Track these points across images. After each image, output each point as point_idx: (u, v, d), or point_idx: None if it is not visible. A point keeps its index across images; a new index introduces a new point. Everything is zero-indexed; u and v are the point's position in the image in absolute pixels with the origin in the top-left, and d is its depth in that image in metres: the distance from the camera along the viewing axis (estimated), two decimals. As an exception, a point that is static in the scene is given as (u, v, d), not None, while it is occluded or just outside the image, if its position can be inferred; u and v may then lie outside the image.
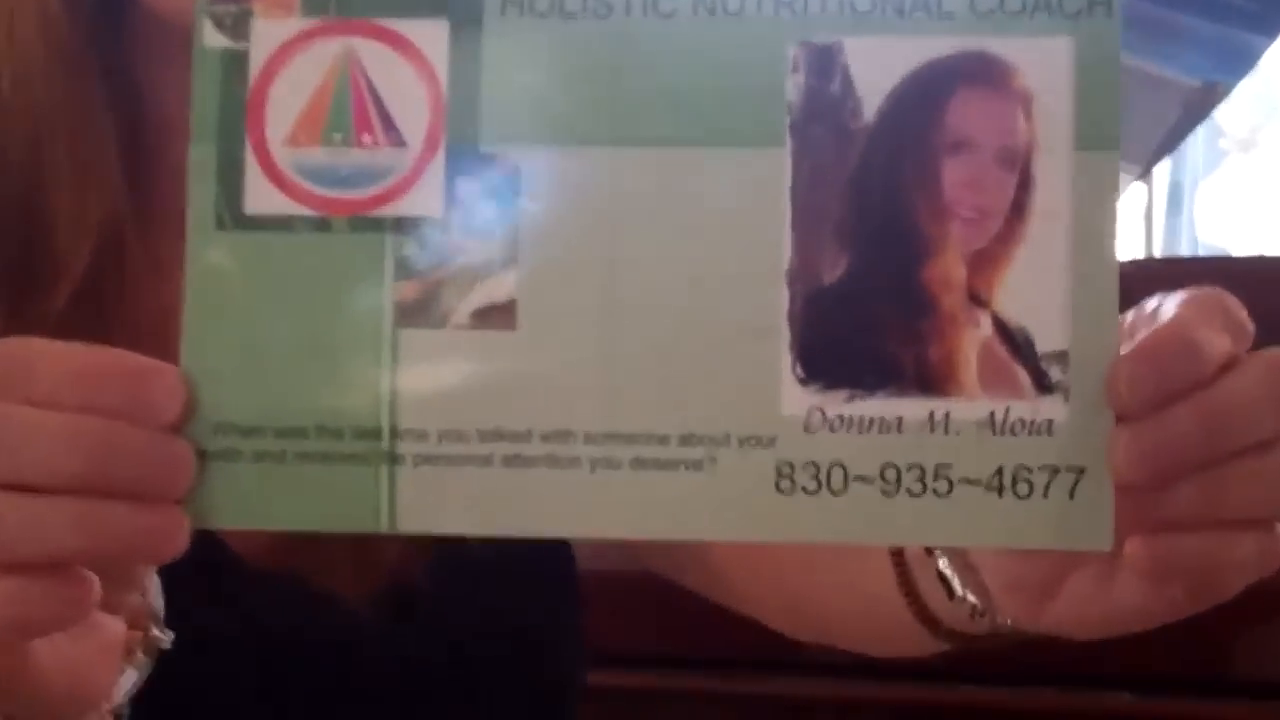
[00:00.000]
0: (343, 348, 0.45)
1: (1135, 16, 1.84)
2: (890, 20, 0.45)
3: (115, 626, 0.48)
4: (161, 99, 0.70)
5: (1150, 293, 1.48)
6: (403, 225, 0.45)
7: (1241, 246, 2.88)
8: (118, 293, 0.68)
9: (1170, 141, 2.04)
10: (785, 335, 0.45)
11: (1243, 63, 1.96)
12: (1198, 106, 2.00)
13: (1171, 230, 2.80)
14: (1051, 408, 0.44)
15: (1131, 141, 1.97)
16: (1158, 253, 2.86)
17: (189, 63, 0.48)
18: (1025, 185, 0.45)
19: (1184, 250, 2.82)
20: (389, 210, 0.45)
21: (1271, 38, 1.93)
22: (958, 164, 0.45)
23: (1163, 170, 2.69)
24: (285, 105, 0.46)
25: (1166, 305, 0.47)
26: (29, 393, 0.43)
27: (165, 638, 0.50)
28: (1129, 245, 2.87)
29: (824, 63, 0.45)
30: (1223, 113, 2.55)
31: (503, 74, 0.45)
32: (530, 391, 0.45)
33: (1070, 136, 0.45)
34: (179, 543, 0.44)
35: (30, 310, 0.66)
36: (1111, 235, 0.45)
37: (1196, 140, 2.66)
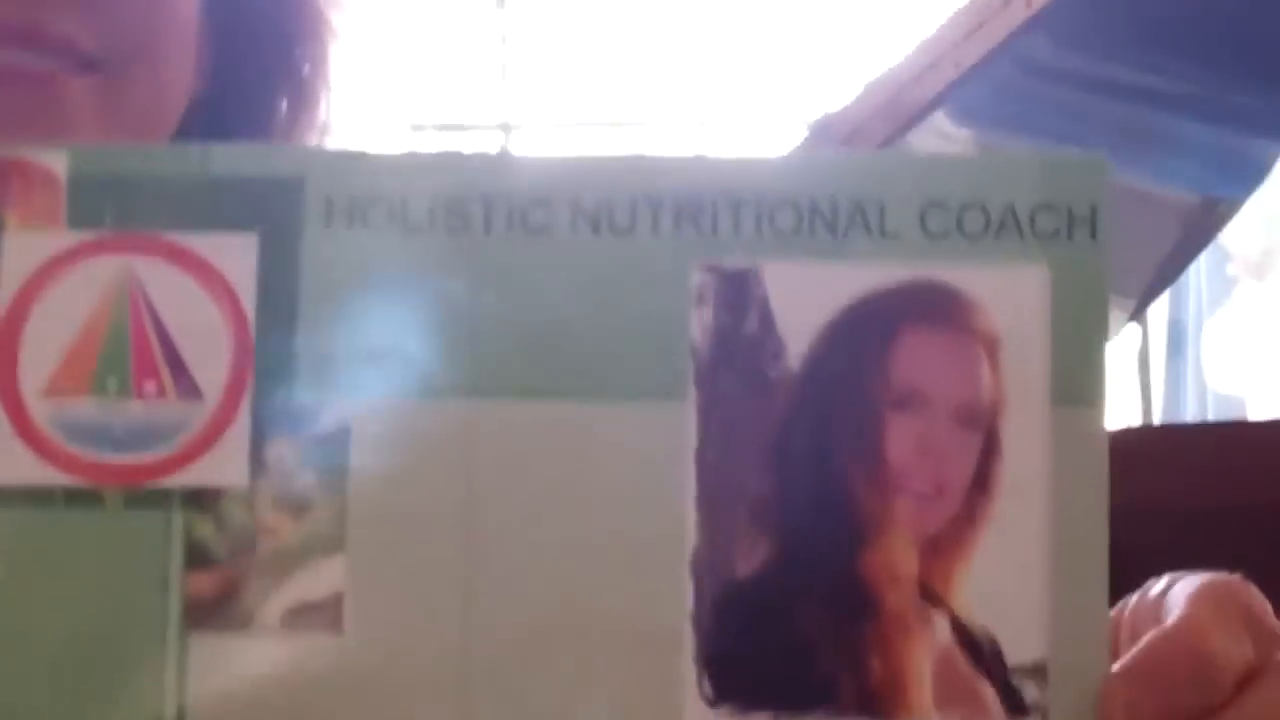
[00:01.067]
0: (118, 657, 0.45)
1: (1125, 123, 1.92)
2: (821, 241, 0.46)
3: None
4: None
5: (1146, 466, 1.46)
6: (197, 500, 0.46)
7: (1259, 394, 2.98)
8: None
9: (1169, 270, 2.12)
10: (689, 642, 0.45)
11: (1250, 174, 2.04)
12: (1199, 227, 2.08)
13: (1174, 377, 2.89)
14: None
15: (1124, 272, 2.03)
16: (1158, 406, 2.95)
17: None
18: (991, 451, 0.46)
19: (1190, 400, 2.91)
20: (179, 480, 0.46)
21: None
22: (906, 423, 0.46)
23: (1161, 305, 2.77)
24: (45, 344, 0.46)
25: (1174, 595, 0.47)
26: None
27: None
28: (1123, 402, 2.96)
29: (738, 293, 0.46)
30: (1229, 234, 2.64)
31: (327, 304, 0.46)
32: (360, 713, 0.45)
33: (1046, 389, 0.46)
34: None
35: None
36: (1101, 514, 0.46)
37: (1199, 268, 2.75)
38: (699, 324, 0.46)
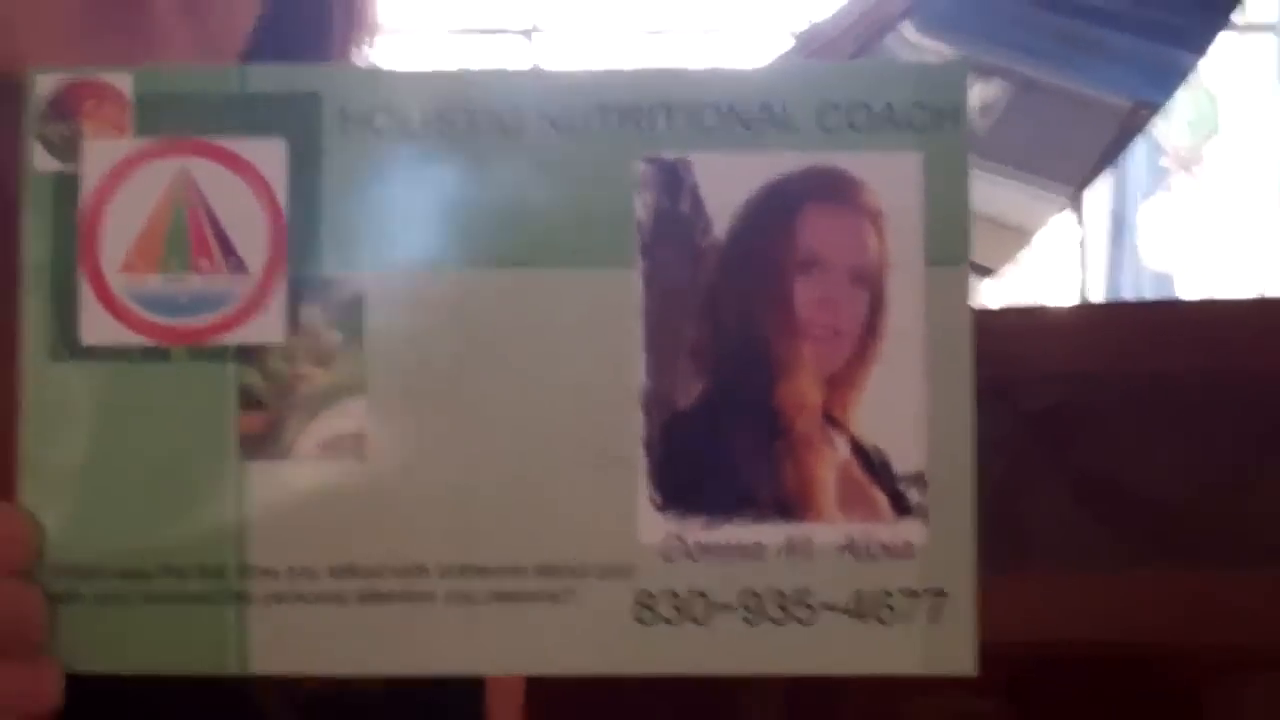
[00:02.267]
0: (186, 482, 0.47)
1: (1066, 35, 1.91)
2: (738, 136, 0.48)
3: None
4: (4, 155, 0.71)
5: (1085, 339, 1.49)
6: (246, 354, 0.47)
7: (1189, 271, 2.98)
8: None
9: (1102, 163, 2.12)
10: (641, 461, 0.47)
11: (1171, 81, 2.05)
12: (1129, 127, 2.09)
13: (1116, 259, 2.88)
14: (910, 530, 0.47)
15: (1064, 164, 2.05)
16: (1099, 285, 2.94)
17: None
18: (878, 304, 0.48)
19: (1127, 279, 2.90)
20: (231, 338, 0.48)
21: (1201, 53, 2.03)
22: (809, 283, 0.48)
23: (1104, 198, 2.78)
24: (120, 230, 0.48)
25: None
26: None
27: None
28: (1065, 281, 2.96)
29: (672, 180, 0.48)
30: (1163, 132, 2.64)
31: (344, 195, 0.48)
32: (382, 525, 0.47)
33: (921, 252, 0.48)
34: (49, 697, 0.46)
35: None
36: (966, 353, 0.48)
37: (1137, 162, 2.75)
38: (642, 205, 0.48)
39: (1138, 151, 2.48)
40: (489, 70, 0.49)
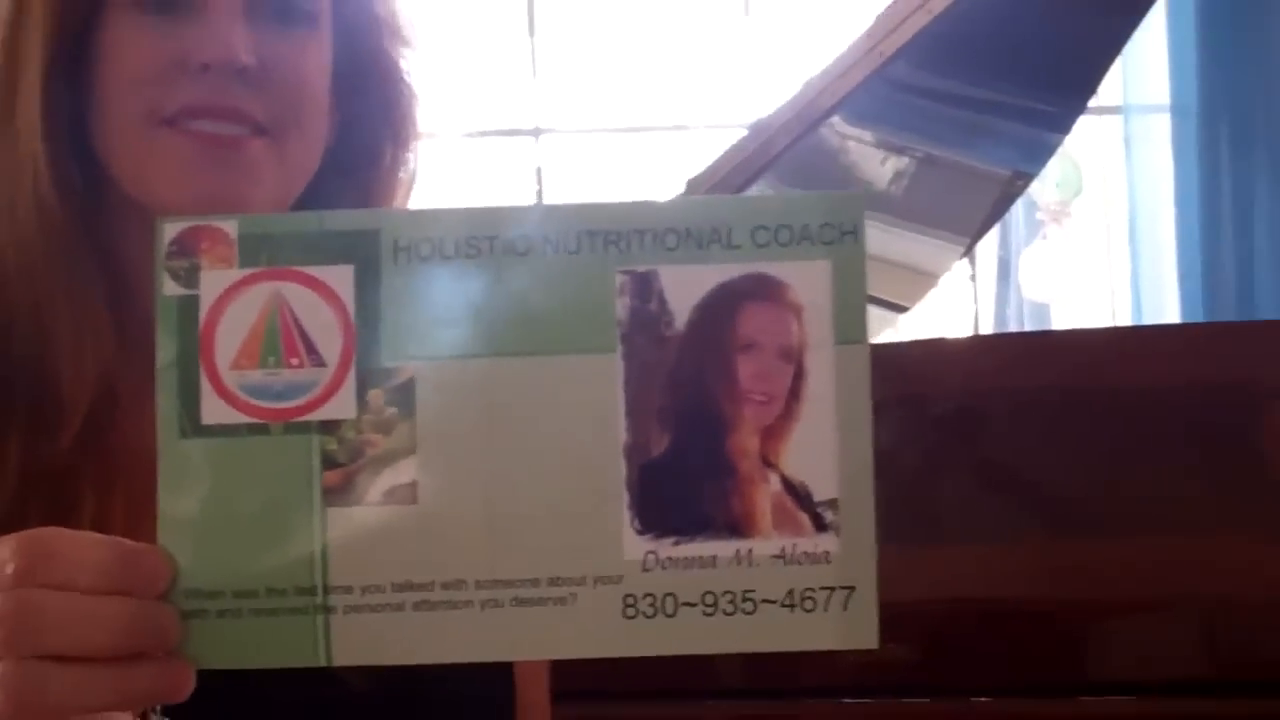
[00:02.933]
0: (283, 524, 0.51)
1: (960, 121, 1.92)
2: (693, 252, 0.52)
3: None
4: (139, 266, 0.71)
5: (978, 362, 1.46)
6: (326, 426, 0.51)
7: (1062, 300, 2.99)
8: (110, 433, 0.70)
9: (989, 220, 2.12)
10: (624, 497, 0.51)
11: (1042, 155, 2.06)
12: (1008, 192, 2.09)
13: (1002, 295, 2.89)
14: (827, 542, 0.51)
15: (959, 220, 2.06)
16: (987, 316, 2.95)
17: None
18: (800, 374, 0.51)
19: (1011, 309, 2.91)
20: (315, 416, 0.51)
21: (1065, 134, 2.04)
22: (748, 360, 0.52)
23: (992, 246, 2.80)
24: (230, 337, 0.51)
25: None
26: (50, 578, 0.48)
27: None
28: (959, 313, 2.96)
29: (644, 287, 0.52)
30: (1038, 192, 2.65)
31: (397, 305, 0.51)
32: (431, 551, 0.51)
33: (831, 335, 0.51)
34: (187, 687, 0.49)
35: (41, 451, 0.69)
36: (866, 409, 0.52)
37: (1018, 217, 2.76)
38: (621, 306, 0.51)
39: (1018, 208, 2.49)
40: (503, 207, 0.53)
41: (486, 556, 0.51)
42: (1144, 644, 1.14)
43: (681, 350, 0.51)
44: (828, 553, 0.51)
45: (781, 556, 0.51)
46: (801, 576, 0.51)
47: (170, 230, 0.51)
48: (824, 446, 0.51)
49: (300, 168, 0.75)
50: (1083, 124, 2.14)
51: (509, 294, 0.51)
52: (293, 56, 0.74)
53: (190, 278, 0.51)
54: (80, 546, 0.49)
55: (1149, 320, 2.75)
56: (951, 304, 2.88)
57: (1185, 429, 1.18)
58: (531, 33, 3.30)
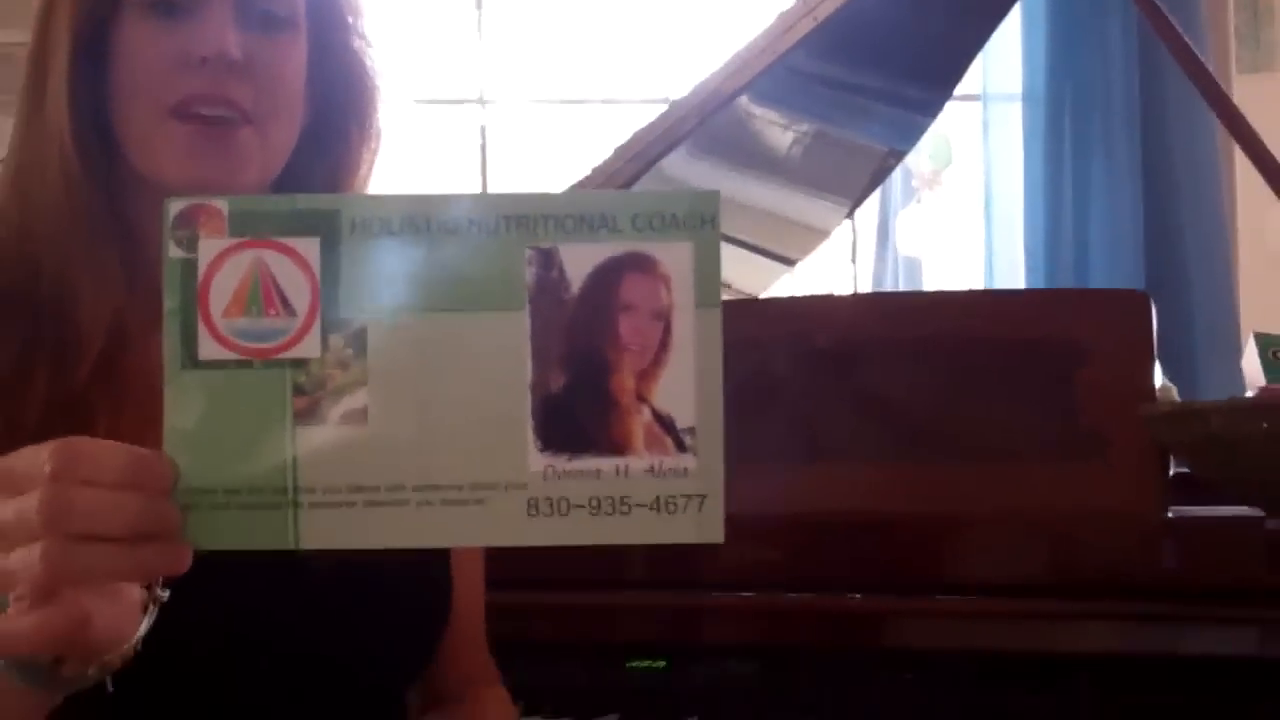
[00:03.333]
0: (262, 439, 0.56)
1: (844, 103, 1.92)
2: (586, 234, 0.58)
3: (136, 592, 0.58)
4: (148, 228, 0.76)
5: (851, 316, 1.43)
6: (296, 364, 0.57)
7: (932, 257, 3.05)
8: (120, 365, 0.76)
9: (869, 187, 2.15)
10: (530, 423, 0.57)
11: (913, 135, 2.08)
12: (885, 164, 2.11)
13: (880, 252, 2.94)
14: (686, 461, 0.58)
15: (843, 187, 2.09)
16: (867, 273, 3.00)
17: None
18: (667, 330, 0.58)
19: (888, 264, 2.96)
20: (287, 355, 0.57)
21: (933, 118, 2.07)
22: (627, 318, 0.58)
23: (873, 209, 2.84)
24: (221, 292, 0.57)
25: None
26: (79, 475, 0.53)
27: (164, 594, 0.60)
28: (840, 270, 3.01)
29: (547, 260, 0.58)
30: (913, 160, 2.70)
31: (353, 269, 0.57)
32: (378, 462, 0.57)
33: (692, 300, 0.58)
34: (185, 564, 0.56)
35: (63, 380, 0.74)
36: (718, 357, 0.58)
37: (896, 183, 2.81)
38: (529, 274, 0.57)
39: (896, 175, 2.53)
40: (438, 195, 0.58)
41: (421, 466, 0.56)
42: (983, 551, 1.14)
43: (576, 309, 0.57)
44: (686, 469, 0.57)
45: (651, 471, 0.57)
46: (666, 487, 0.57)
47: (175, 207, 0.56)
48: (685, 386, 0.57)
49: (279, 150, 0.79)
50: (950, 108, 2.19)
51: (441, 263, 0.57)
52: (274, 55, 0.77)
53: (190, 244, 0.56)
54: (103, 451, 0.54)
55: (1000, 282, 2.84)
56: (836, 258, 2.93)
57: (1013, 375, 1.20)
58: (479, 5, 3.20)
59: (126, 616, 0.57)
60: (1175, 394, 1.47)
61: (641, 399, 0.57)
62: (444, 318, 0.57)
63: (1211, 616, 1.03)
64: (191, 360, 0.56)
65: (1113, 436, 1.14)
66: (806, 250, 2.13)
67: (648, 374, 0.57)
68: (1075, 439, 1.15)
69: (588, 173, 1.56)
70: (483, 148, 3.12)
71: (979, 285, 2.87)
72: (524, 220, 0.57)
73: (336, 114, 0.83)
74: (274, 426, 0.56)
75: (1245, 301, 2.79)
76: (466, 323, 0.57)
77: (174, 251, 0.56)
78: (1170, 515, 1.13)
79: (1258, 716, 1.02)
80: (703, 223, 0.57)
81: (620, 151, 1.58)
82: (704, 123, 1.56)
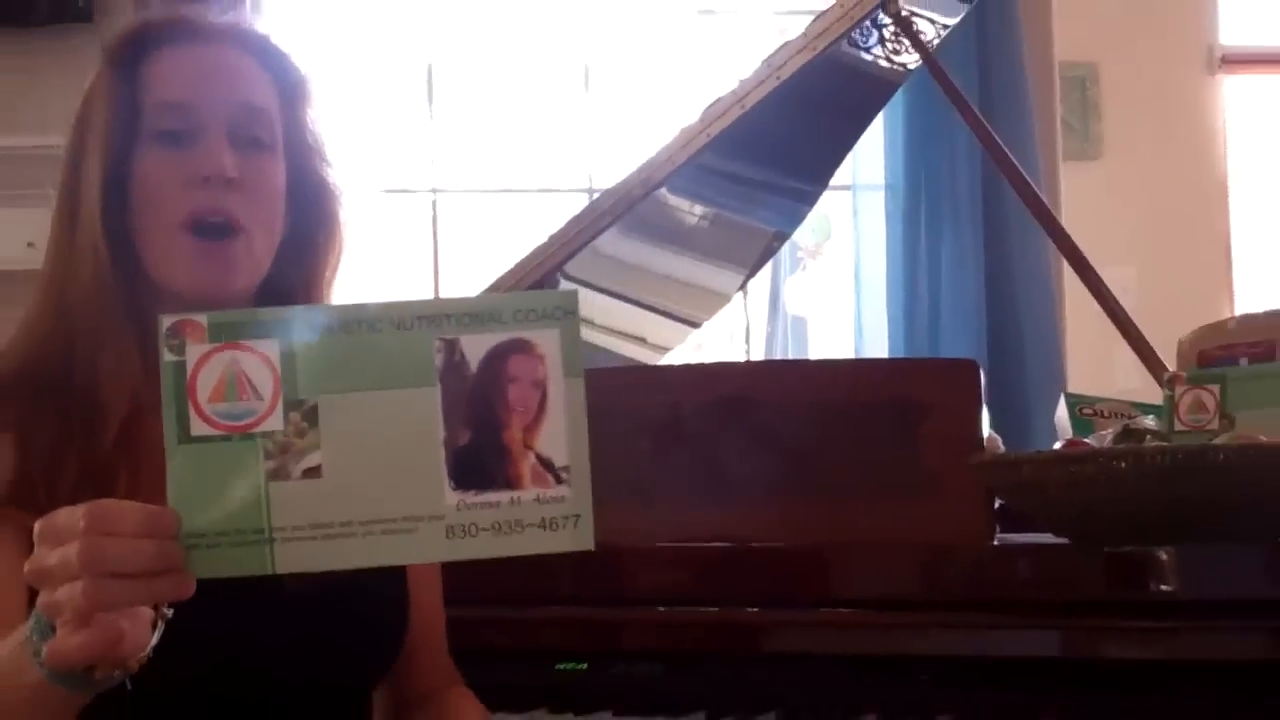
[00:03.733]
0: (242, 494, 0.65)
1: (741, 194, 1.97)
2: (480, 326, 0.67)
3: (149, 612, 0.66)
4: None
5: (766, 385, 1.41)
6: (266, 435, 0.65)
7: (816, 317, 3.13)
8: (137, 434, 0.82)
9: (760, 262, 2.17)
10: (444, 469, 0.66)
11: (796, 219, 2.13)
12: (772, 244, 2.15)
13: (772, 313, 3.01)
14: (564, 490, 0.67)
15: (739, 261, 2.12)
16: (759, 328, 3.06)
17: (170, 305, 0.64)
18: (544, 395, 0.67)
19: (779, 323, 3.02)
20: (258, 429, 0.65)
21: (812, 205, 2.10)
22: (514, 388, 0.67)
23: (766, 276, 2.91)
24: (205, 384, 0.65)
25: None
26: (108, 529, 0.62)
27: (169, 613, 0.67)
28: (732, 340, 3.06)
29: (451, 348, 0.67)
30: (799, 236, 2.79)
31: (305, 362, 0.66)
32: (332, 505, 0.65)
33: (562, 372, 0.67)
34: (190, 590, 0.64)
35: (92, 448, 0.81)
36: (584, 414, 0.66)
37: (785, 256, 2.90)
38: (438, 359, 0.66)
39: (785, 247, 2.60)
40: (365, 304, 0.66)
41: (364, 506, 0.65)
42: (847, 572, 1.18)
43: (475, 383, 0.66)
44: (564, 496, 0.66)
45: (538, 500, 0.66)
46: (550, 510, 0.66)
47: (166, 321, 0.65)
48: (560, 436, 0.67)
49: (264, 257, 0.87)
50: (827, 196, 2.25)
51: (372, 353, 0.66)
52: (260, 171, 0.86)
53: (179, 350, 0.65)
54: (124, 509, 0.63)
55: (868, 340, 2.94)
56: (729, 319, 2.99)
57: (870, 429, 1.24)
58: (430, 102, 3.13)
59: (143, 631, 0.65)
60: (1000, 444, 1.47)
61: (528, 447, 0.66)
62: (376, 394, 0.65)
63: (1025, 624, 1.08)
64: (185, 436, 0.64)
65: (949, 479, 1.19)
66: (711, 312, 2.17)
67: (531, 428, 0.66)
68: (919, 481, 1.20)
69: (528, 253, 1.62)
70: (434, 234, 3.14)
71: (852, 342, 2.96)
72: (433, 319, 0.66)
73: (308, 226, 0.90)
74: (251, 483, 0.64)
75: (1073, 362, 2.88)
76: (393, 397, 0.65)
77: (167, 356, 0.65)
78: (995, 543, 1.19)
79: (1062, 702, 1.06)
80: (566, 314, 0.67)
81: (552, 240, 1.65)
82: (630, 209, 1.63)
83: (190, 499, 0.63)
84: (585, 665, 1.17)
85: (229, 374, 0.64)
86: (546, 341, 0.66)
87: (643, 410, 1.28)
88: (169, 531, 0.63)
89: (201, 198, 0.82)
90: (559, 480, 0.66)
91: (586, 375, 0.66)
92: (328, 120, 0.93)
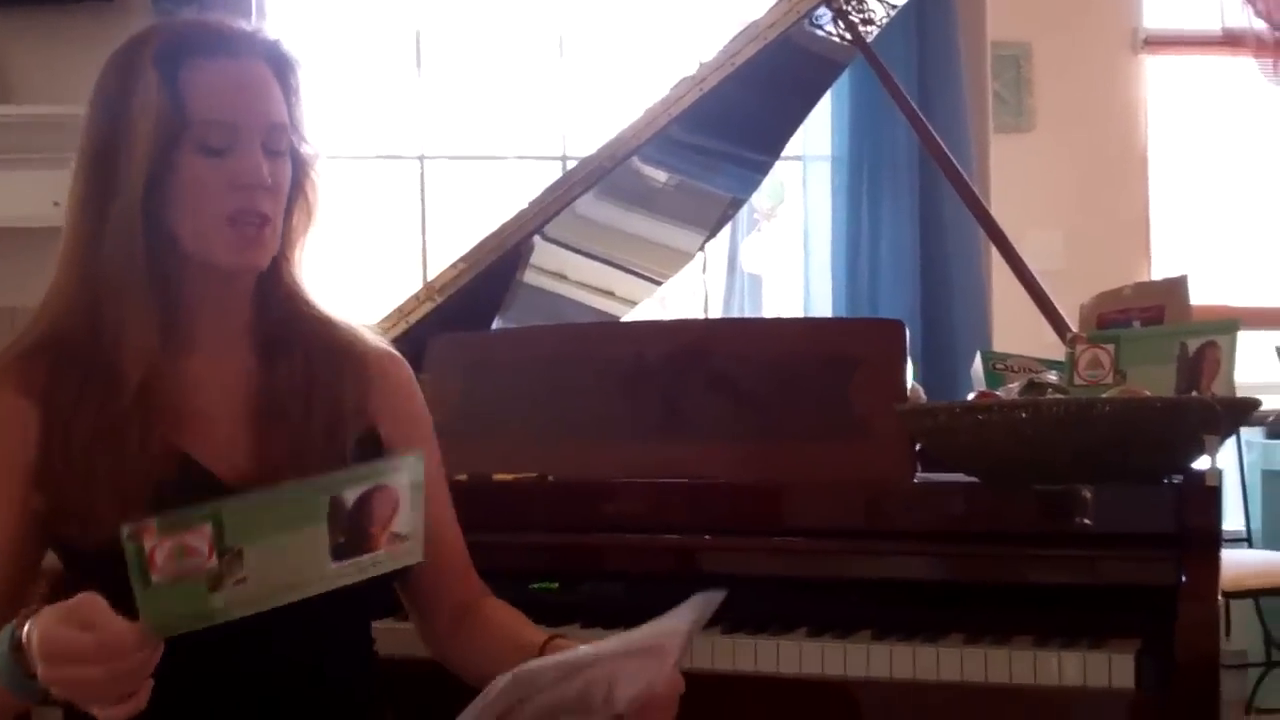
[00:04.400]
0: (195, 605, 0.70)
1: (704, 163, 1.95)
2: (357, 484, 0.74)
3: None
4: (180, 291, 0.86)
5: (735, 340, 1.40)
6: (208, 574, 0.70)
7: (770, 275, 3.00)
8: (153, 397, 0.85)
9: (720, 222, 2.12)
10: (329, 555, 0.74)
11: (751, 185, 2.09)
12: (729, 208, 2.11)
13: (730, 271, 2.91)
14: (406, 545, 0.76)
15: (698, 222, 2.08)
16: (717, 294, 2.94)
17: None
18: (394, 512, 0.74)
19: (736, 281, 2.90)
20: (201, 573, 0.70)
21: (765, 174, 2.06)
22: (378, 515, 0.74)
23: (724, 242, 2.84)
24: (160, 556, 0.69)
25: None
26: (84, 623, 0.69)
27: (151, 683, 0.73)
28: (692, 295, 2.95)
29: (338, 506, 0.73)
30: (756, 199, 2.69)
31: (233, 531, 0.70)
32: (256, 592, 0.71)
33: (410, 505, 0.75)
34: (142, 702, 0.71)
35: (111, 406, 0.82)
36: (420, 515, 0.75)
37: (742, 217, 2.82)
38: (327, 508, 0.73)
39: (744, 209, 2.56)
40: (278, 491, 0.73)
41: (277, 588, 0.73)
42: (787, 505, 1.19)
43: (349, 519, 0.73)
44: (408, 550, 0.75)
45: (390, 554, 0.75)
46: (399, 557, 0.75)
47: (126, 529, 0.69)
48: (406, 525, 0.75)
49: (278, 239, 0.90)
50: (778, 166, 2.23)
51: (280, 518, 0.72)
52: (281, 173, 0.88)
53: (139, 542, 0.69)
54: (113, 626, 0.69)
55: (814, 297, 2.85)
56: (691, 277, 2.86)
57: (808, 381, 1.24)
58: (419, 69, 2.91)
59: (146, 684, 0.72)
60: (922, 394, 1.46)
61: (383, 530, 0.74)
62: (284, 535, 0.72)
63: (939, 552, 1.11)
64: (148, 585, 0.70)
65: (876, 425, 1.20)
66: (674, 269, 2.17)
67: (385, 525, 0.74)
68: (850, 426, 1.21)
69: (509, 218, 1.60)
70: (422, 198, 2.90)
71: (800, 298, 2.89)
72: (324, 486, 0.73)
73: (291, 202, 0.91)
74: (199, 600, 0.71)
75: (1004, 322, 2.76)
76: (298, 535, 0.72)
77: (130, 547, 0.69)
78: (915, 480, 1.21)
79: (955, 614, 1.09)
80: (410, 474, 0.74)
81: (537, 199, 1.62)
82: (607, 175, 1.62)
83: (159, 616, 0.70)
84: (556, 585, 1.19)
85: (178, 549, 0.70)
86: (401, 479, 0.74)
87: (608, 361, 1.29)
88: (154, 644, 0.68)
89: (242, 198, 0.84)
90: (403, 540, 0.76)
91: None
92: (310, 98, 0.91)
